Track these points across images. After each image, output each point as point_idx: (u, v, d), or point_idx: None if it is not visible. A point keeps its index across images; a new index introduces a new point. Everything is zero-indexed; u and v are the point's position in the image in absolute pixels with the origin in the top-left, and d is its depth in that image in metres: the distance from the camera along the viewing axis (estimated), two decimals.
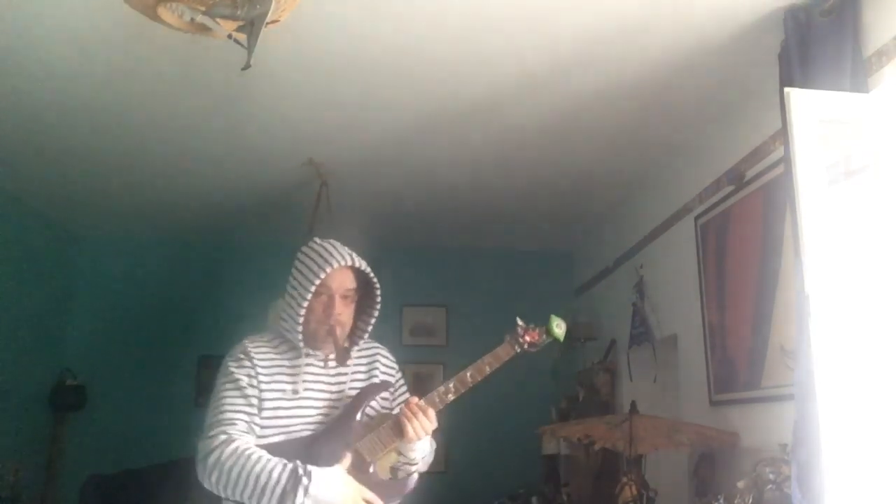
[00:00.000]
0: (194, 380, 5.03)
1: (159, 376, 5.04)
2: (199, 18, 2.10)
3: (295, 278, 1.89)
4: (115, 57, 2.74)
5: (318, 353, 1.92)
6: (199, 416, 1.90)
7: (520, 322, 1.89)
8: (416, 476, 1.84)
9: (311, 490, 1.65)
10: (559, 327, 1.89)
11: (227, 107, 3.18)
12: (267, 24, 1.99)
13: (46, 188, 4.26)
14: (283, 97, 3.08)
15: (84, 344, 5.05)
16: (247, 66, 2.01)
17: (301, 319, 1.85)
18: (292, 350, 1.90)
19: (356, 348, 1.99)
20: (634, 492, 2.98)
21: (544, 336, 1.89)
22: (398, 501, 1.87)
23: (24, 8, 2.43)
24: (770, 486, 2.36)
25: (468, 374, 1.87)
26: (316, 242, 1.94)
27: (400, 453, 1.89)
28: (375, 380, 1.96)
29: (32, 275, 4.63)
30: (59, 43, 2.65)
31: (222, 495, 1.74)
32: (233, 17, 1.96)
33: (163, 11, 2.03)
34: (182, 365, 5.04)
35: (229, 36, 2.09)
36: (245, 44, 2.03)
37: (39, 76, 2.90)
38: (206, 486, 1.75)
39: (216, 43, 2.24)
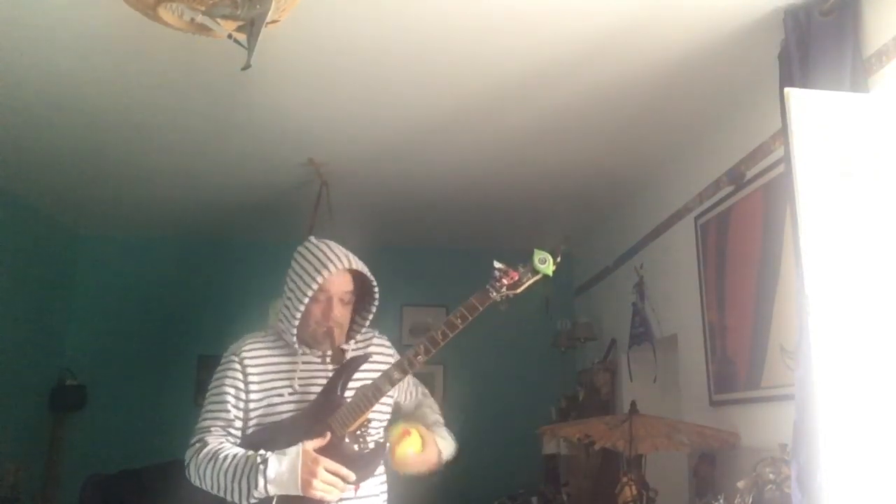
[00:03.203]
0: (194, 380, 5.02)
1: (159, 376, 5.04)
2: (199, 18, 2.10)
3: (293, 280, 1.87)
4: (115, 57, 2.73)
5: (315, 350, 1.92)
6: (199, 416, 1.91)
7: (497, 265, 1.70)
8: (388, 447, 1.81)
9: (269, 475, 1.67)
10: (544, 262, 1.69)
11: (228, 107, 3.17)
12: (267, 24, 1.99)
13: (46, 188, 4.26)
14: (283, 97, 3.08)
15: (84, 344, 5.05)
16: (247, 66, 2.01)
17: (297, 322, 1.85)
18: (289, 348, 1.90)
19: (353, 342, 1.99)
20: (634, 492, 2.97)
21: (529, 274, 1.70)
22: (376, 471, 1.85)
23: (24, 8, 2.42)
24: (770, 486, 2.36)
25: (439, 332, 1.73)
26: (313, 243, 1.92)
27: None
28: (381, 365, 1.91)
29: (33, 274, 4.63)
30: (59, 43, 2.64)
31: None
32: (233, 17, 1.97)
33: (163, 11, 2.03)
34: (181, 365, 5.04)
35: (229, 36, 2.09)
36: (245, 44, 2.03)
37: (39, 76, 2.90)
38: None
39: (216, 43, 2.24)
